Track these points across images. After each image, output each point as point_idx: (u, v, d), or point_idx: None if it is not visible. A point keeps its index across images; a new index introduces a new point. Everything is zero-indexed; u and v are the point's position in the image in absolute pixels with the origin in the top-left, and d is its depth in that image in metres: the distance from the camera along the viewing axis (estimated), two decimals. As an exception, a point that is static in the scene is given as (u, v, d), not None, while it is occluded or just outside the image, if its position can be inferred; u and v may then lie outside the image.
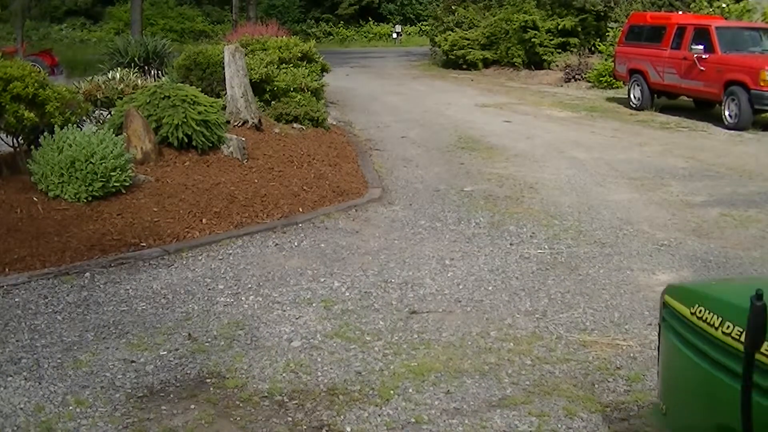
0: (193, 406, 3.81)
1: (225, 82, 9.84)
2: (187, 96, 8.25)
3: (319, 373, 4.16)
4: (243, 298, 5.23)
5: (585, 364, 4.31)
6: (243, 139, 8.78)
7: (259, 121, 9.94)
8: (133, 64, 12.76)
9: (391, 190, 8.44)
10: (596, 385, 4.07)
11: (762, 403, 2.09)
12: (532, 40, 23.42)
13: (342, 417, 3.72)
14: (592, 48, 22.48)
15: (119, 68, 11.48)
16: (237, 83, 9.73)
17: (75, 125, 7.42)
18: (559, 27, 23.08)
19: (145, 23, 28.96)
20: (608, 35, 20.75)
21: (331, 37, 40.92)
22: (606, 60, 19.62)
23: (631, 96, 15.78)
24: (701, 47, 13.75)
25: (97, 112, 9.39)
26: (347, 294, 5.34)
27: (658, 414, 2.76)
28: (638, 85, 15.61)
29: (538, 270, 5.85)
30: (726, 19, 17.37)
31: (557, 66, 22.61)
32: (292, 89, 11.44)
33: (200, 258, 6.03)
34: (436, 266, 5.93)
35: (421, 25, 40.07)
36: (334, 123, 12.41)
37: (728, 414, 2.18)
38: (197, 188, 7.34)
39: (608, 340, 4.60)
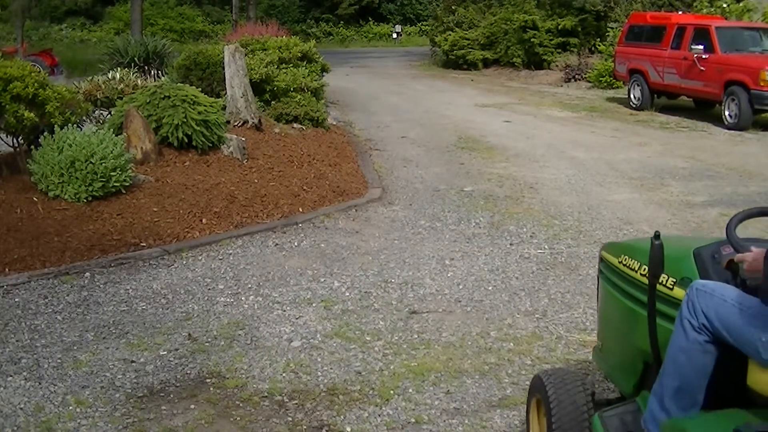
0: (193, 406, 3.81)
1: (225, 82, 9.84)
2: (187, 96, 8.25)
3: (319, 373, 4.17)
4: (243, 298, 5.23)
5: (585, 364, 4.31)
6: (243, 139, 8.78)
7: (259, 121, 9.94)
8: (133, 64, 12.76)
9: (391, 190, 8.44)
10: (596, 385, 4.07)
11: (663, 325, 2.55)
12: (532, 40, 23.42)
13: (342, 417, 3.72)
14: (592, 48, 22.49)
15: (119, 68, 11.48)
16: (237, 83, 9.73)
17: (75, 125, 7.41)
18: (559, 27, 23.09)
19: (145, 23, 28.96)
20: (608, 35, 20.75)
21: (331, 37, 40.91)
22: (606, 60, 19.63)
23: (631, 96, 15.78)
24: (701, 47, 13.75)
25: (97, 112, 9.39)
26: (347, 294, 5.34)
27: (597, 352, 3.32)
28: (638, 85, 15.62)
29: (538, 270, 5.85)
30: (726, 19, 17.37)
31: (557, 66, 22.61)
32: (292, 89, 11.44)
33: (200, 258, 6.03)
34: (436, 266, 5.93)
35: (421, 25, 40.08)
36: (334, 123, 12.41)
37: (643, 339, 2.64)
38: (197, 188, 7.34)
39: (608, 340, 4.59)
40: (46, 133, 6.97)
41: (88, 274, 5.59)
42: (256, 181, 7.88)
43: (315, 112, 11.20)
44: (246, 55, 10.64)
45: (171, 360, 4.30)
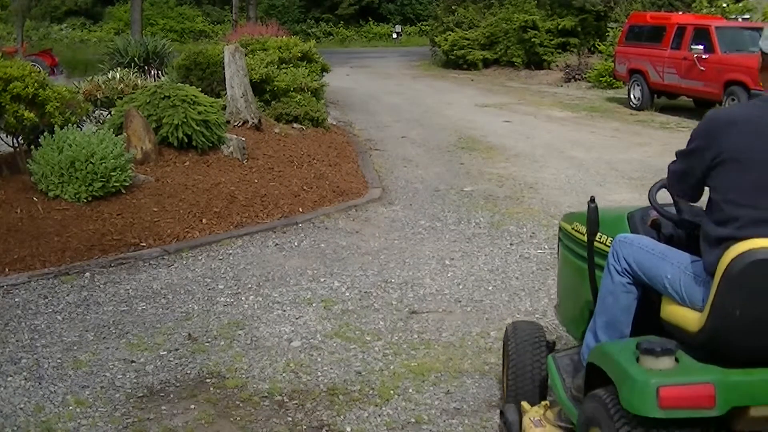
0: (193, 406, 3.81)
1: (225, 82, 9.84)
2: (187, 96, 8.25)
3: (319, 373, 4.17)
4: (243, 298, 5.23)
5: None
6: (243, 139, 8.78)
7: (259, 121, 9.93)
8: (133, 64, 12.75)
9: (391, 190, 8.44)
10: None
11: (599, 275, 3.00)
12: (532, 40, 23.42)
13: (342, 417, 3.72)
14: (592, 48, 22.49)
15: (119, 68, 11.47)
16: (237, 83, 9.73)
17: (75, 125, 7.41)
18: (559, 27, 23.09)
19: (145, 23, 28.95)
20: (608, 35, 20.75)
21: (331, 37, 40.88)
22: (606, 60, 19.63)
23: (631, 96, 15.78)
24: (701, 47, 13.76)
25: (97, 112, 9.38)
26: (347, 294, 5.34)
27: (556, 309, 3.85)
28: (638, 85, 15.61)
29: (538, 270, 5.85)
30: (726, 19, 17.37)
31: (557, 66, 22.61)
32: (292, 89, 11.44)
33: (200, 258, 6.03)
34: (436, 266, 5.93)
35: (421, 25, 40.04)
36: (334, 123, 12.41)
37: (588, 291, 3.11)
38: (197, 188, 7.34)
39: (608, 340, 4.59)
40: (46, 133, 6.96)
41: (88, 274, 5.59)
42: (256, 181, 7.88)
43: (315, 112, 11.20)
44: (246, 55, 10.64)
45: (171, 360, 4.30)
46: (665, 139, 12.11)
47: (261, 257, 6.11)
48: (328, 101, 14.36)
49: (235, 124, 9.62)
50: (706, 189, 2.61)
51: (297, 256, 6.15)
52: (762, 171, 2.44)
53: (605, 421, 2.52)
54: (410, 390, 3.98)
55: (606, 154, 10.68)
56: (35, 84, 7.03)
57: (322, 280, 5.61)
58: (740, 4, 18.27)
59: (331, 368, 4.23)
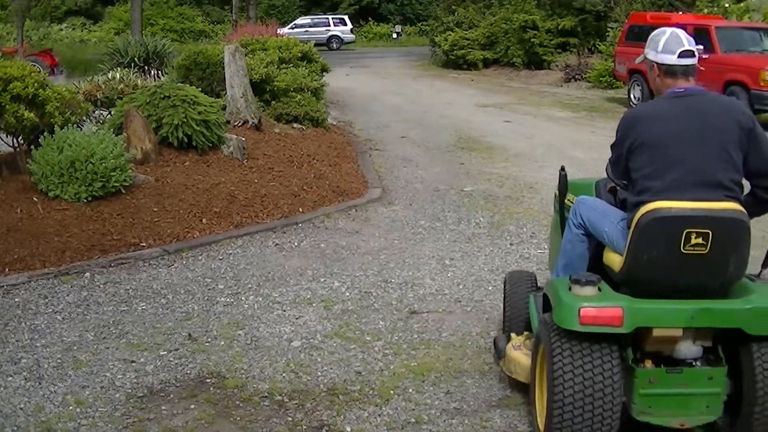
0: (193, 406, 3.81)
1: (225, 82, 9.84)
2: (187, 96, 8.25)
3: (319, 373, 4.17)
4: (243, 298, 5.24)
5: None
6: (243, 139, 8.78)
7: (259, 121, 9.93)
8: (133, 64, 12.74)
9: (391, 190, 8.44)
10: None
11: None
12: (532, 40, 23.42)
13: (342, 417, 3.72)
14: (592, 48, 22.48)
15: (119, 68, 11.46)
16: (237, 83, 9.73)
17: (75, 125, 7.41)
18: (559, 27, 23.09)
19: (145, 23, 28.99)
20: (608, 35, 20.75)
21: (331, 37, 40.89)
22: (606, 60, 19.63)
23: (631, 96, 15.78)
24: (701, 47, 13.71)
25: (97, 112, 9.38)
26: (347, 294, 5.34)
27: (548, 260, 4.51)
28: (638, 85, 15.61)
29: (538, 270, 5.83)
30: (726, 19, 17.38)
31: (557, 66, 22.61)
32: (292, 89, 11.44)
33: (200, 258, 6.03)
34: (436, 266, 5.93)
35: (421, 25, 40.05)
36: (334, 123, 12.42)
37: (560, 240, 3.83)
38: (197, 188, 7.34)
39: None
40: (46, 133, 6.96)
41: (88, 274, 5.59)
42: (256, 181, 7.88)
43: (315, 112, 11.20)
44: (246, 55, 10.64)
45: (171, 360, 4.30)
46: (665, 139, 12.10)
47: (261, 257, 6.11)
48: (328, 101, 14.37)
49: (235, 124, 9.62)
50: None
51: (297, 256, 6.15)
52: (665, 152, 3.15)
53: (546, 337, 3.29)
54: (410, 390, 3.98)
55: (606, 154, 10.56)
56: (35, 84, 7.03)
57: (322, 280, 5.61)
58: (741, 4, 18.29)
59: (331, 368, 4.23)
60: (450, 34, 25.95)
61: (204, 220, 6.72)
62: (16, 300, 5.12)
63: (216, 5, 42.29)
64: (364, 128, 12.78)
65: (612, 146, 3.46)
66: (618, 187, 3.63)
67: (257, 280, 5.59)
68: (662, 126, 3.19)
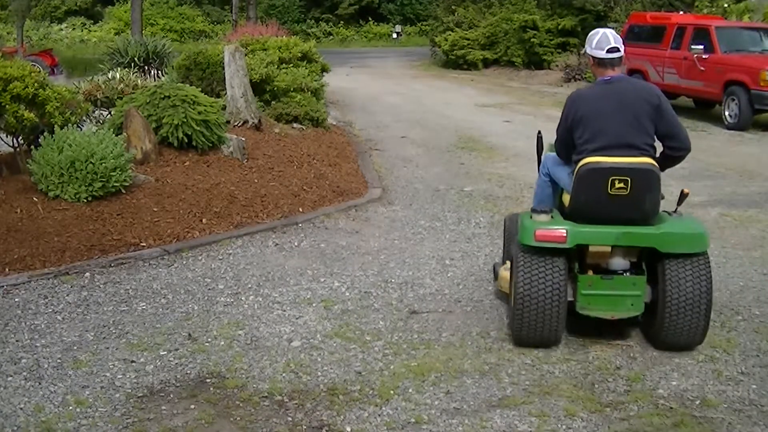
0: (193, 406, 3.81)
1: (225, 82, 9.84)
2: (187, 96, 8.24)
3: (319, 373, 4.17)
4: (243, 298, 5.24)
5: (585, 364, 4.31)
6: (243, 139, 8.78)
7: (259, 121, 9.93)
8: (133, 64, 12.73)
9: (391, 190, 8.44)
10: (596, 385, 4.08)
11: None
12: (532, 40, 23.41)
13: (342, 417, 3.72)
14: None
15: (119, 68, 11.46)
16: (237, 83, 9.73)
17: (75, 125, 7.41)
18: (559, 27, 23.09)
19: (145, 23, 28.97)
20: (608, 35, 20.71)
21: (331, 37, 40.86)
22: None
23: (631, 96, 15.74)
24: (701, 47, 13.75)
25: (97, 112, 9.37)
26: (347, 294, 5.34)
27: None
28: (638, 85, 15.58)
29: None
30: (726, 19, 17.37)
31: (557, 66, 22.61)
32: (292, 89, 11.43)
33: (200, 258, 6.04)
34: (436, 266, 5.93)
35: (421, 25, 40.02)
36: (334, 123, 12.41)
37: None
38: (197, 188, 7.34)
39: (608, 340, 4.60)
40: (46, 133, 6.96)
41: (88, 274, 5.59)
42: (256, 181, 7.88)
43: (315, 112, 11.19)
44: (246, 55, 10.63)
45: (171, 360, 4.31)
46: (665, 139, 12.10)
47: (261, 257, 6.11)
48: (328, 101, 14.36)
49: (235, 124, 9.61)
50: None
51: (297, 256, 6.15)
52: (595, 124, 4.35)
53: (515, 252, 4.53)
54: (410, 390, 3.99)
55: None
56: (35, 84, 7.03)
57: (322, 280, 5.61)
58: (741, 4, 18.28)
59: (331, 368, 4.23)
60: (450, 34, 25.94)
61: (204, 220, 6.72)
62: (16, 300, 5.12)
63: (216, 5, 42.23)
64: (364, 128, 12.78)
65: (558, 127, 4.61)
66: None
67: (257, 280, 5.59)
68: (593, 105, 4.40)
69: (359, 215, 7.41)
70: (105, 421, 3.65)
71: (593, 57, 4.49)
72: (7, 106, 6.84)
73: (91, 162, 6.61)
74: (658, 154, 4.42)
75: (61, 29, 36.97)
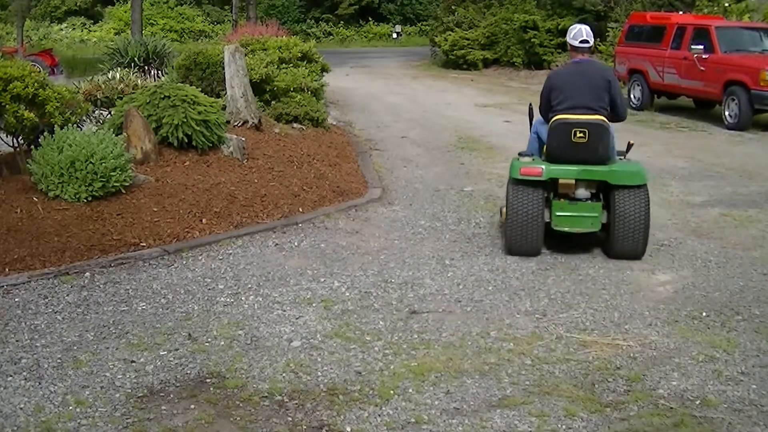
0: (193, 406, 3.81)
1: (225, 82, 9.83)
2: (187, 96, 8.24)
3: (319, 373, 4.17)
4: (243, 298, 5.24)
5: (585, 364, 4.31)
6: (243, 139, 8.77)
7: (259, 121, 9.93)
8: (133, 64, 12.73)
9: (391, 190, 8.45)
10: (596, 385, 4.08)
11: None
12: (532, 40, 23.41)
13: (342, 417, 3.72)
14: (593, 48, 22.44)
15: (119, 68, 11.46)
16: (237, 83, 9.73)
17: (75, 125, 7.41)
18: (559, 27, 23.05)
19: (145, 23, 28.98)
20: (608, 35, 20.74)
21: (331, 37, 40.86)
22: (606, 60, 19.61)
23: (631, 96, 15.77)
24: (701, 47, 13.74)
25: (97, 112, 9.37)
26: (347, 294, 5.34)
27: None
28: (638, 85, 15.62)
29: (538, 270, 5.85)
30: (726, 19, 17.36)
31: (557, 66, 22.57)
32: (292, 89, 11.43)
33: (200, 258, 6.04)
34: (436, 266, 5.93)
35: (421, 25, 40.04)
36: (334, 123, 12.41)
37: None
38: (197, 188, 7.34)
39: (608, 340, 4.60)
40: (46, 133, 6.96)
41: (88, 274, 5.59)
42: (256, 181, 7.88)
43: (315, 112, 11.19)
44: (246, 55, 10.63)
45: (171, 360, 4.31)
46: (665, 139, 12.12)
47: (261, 257, 6.11)
48: (328, 101, 14.36)
49: (235, 124, 9.61)
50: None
51: (297, 256, 6.15)
52: (565, 92, 6.04)
53: (507, 186, 6.11)
54: (410, 390, 3.98)
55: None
56: (35, 84, 7.03)
57: (322, 280, 5.61)
58: (741, 4, 18.28)
59: (331, 368, 4.23)
60: (450, 34, 25.94)
61: (204, 220, 6.72)
62: (16, 300, 5.12)
63: (216, 5, 42.23)
64: (364, 128, 12.78)
65: (540, 97, 6.30)
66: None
67: (257, 280, 5.59)
68: (565, 78, 6.17)
69: (359, 215, 7.41)
70: (105, 421, 3.65)
71: (570, 45, 6.27)
72: (7, 106, 6.84)
73: (91, 162, 6.61)
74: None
75: (61, 29, 36.99)
